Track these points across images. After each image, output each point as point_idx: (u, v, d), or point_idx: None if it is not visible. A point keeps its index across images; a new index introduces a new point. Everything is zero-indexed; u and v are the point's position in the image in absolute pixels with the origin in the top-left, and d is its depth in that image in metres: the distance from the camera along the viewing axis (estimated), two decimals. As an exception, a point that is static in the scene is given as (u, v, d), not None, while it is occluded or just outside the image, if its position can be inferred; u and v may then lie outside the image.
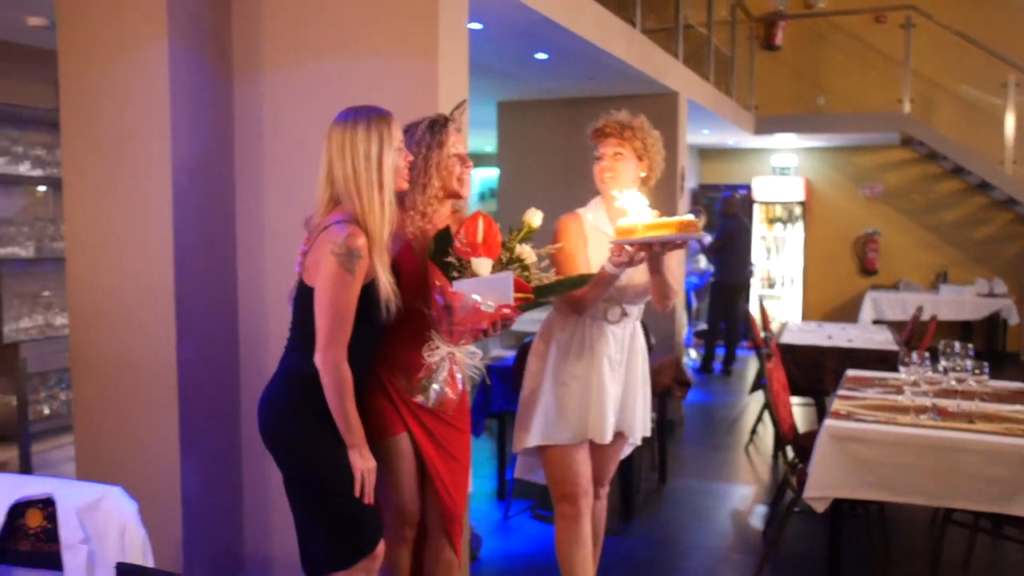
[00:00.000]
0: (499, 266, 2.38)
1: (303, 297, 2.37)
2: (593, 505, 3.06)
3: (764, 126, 9.72)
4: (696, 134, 9.43)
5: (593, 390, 2.86)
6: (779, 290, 10.87)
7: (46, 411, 4.42)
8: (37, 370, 4.34)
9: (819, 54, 10.34)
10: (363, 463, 2.38)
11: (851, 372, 4.60)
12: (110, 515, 2.18)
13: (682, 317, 6.69)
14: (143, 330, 3.22)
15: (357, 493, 2.37)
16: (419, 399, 2.42)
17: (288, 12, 3.31)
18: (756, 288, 10.63)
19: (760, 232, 10.78)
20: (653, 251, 2.57)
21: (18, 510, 2.22)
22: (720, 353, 8.94)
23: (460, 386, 2.42)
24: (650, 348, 5.42)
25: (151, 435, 3.23)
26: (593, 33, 4.72)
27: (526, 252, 2.44)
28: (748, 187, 10.74)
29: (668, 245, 2.56)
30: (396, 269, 2.45)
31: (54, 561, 2.18)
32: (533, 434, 2.89)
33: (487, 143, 8.85)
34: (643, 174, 2.93)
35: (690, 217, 2.54)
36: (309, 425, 2.37)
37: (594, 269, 2.76)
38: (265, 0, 3.33)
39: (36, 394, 4.43)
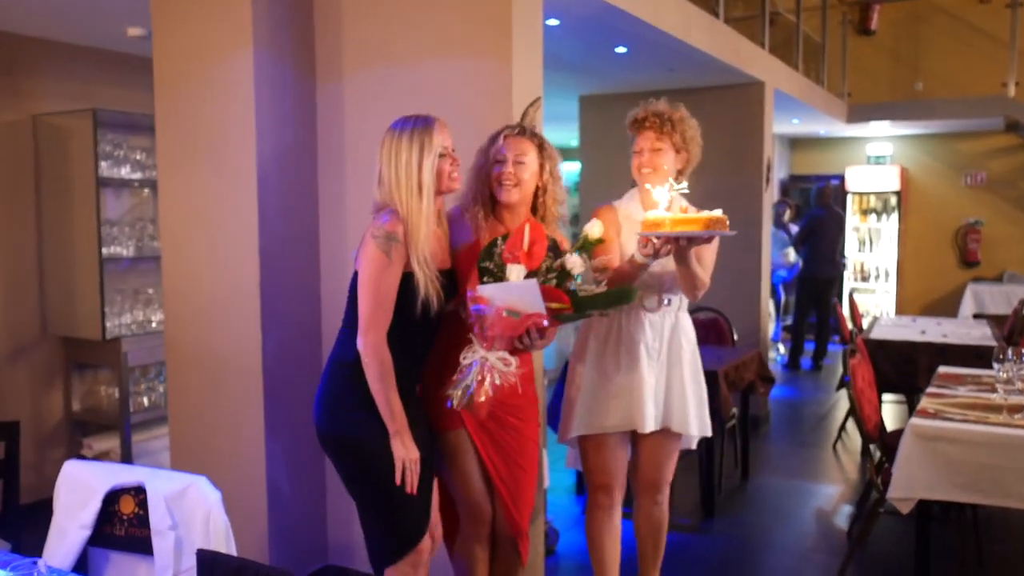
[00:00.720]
0: (538, 275, 2.35)
1: (352, 285, 2.48)
2: (651, 511, 3.07)
3: (858, 114, 9.41)
4: (785, 124, 9.21)
5: (633, 379, 2.86)
6: (873, 284, 10.52)
7: (145, 402, 4.66)
8: (138, 363, 4.59)
9: (917, 37, 9.94)
10: (404, 452, 2.41)
11: (943, 369, 4.43)
12: (196, 503, 2.29)
13: (767, 311, 6.56)
14: (231, 325, 3.37)
15: (398, 481, 2.41)
16: (450, 399, 2.43)
17: (367, 19, 3.39)
18: (848, 282, 10.31)
19: (853, 224, 10.45)
20: (679, 244, 2.58)
21: (113, 497, 2.36)
22: (809, 348, 8.72)
23: (490, 392, 2.38)
24: (732, 343, 5.39)
25: (239, 426, 3.38)
26: (673, 25, 4.67)
27: (573, 262, 2.40)
28: (841, 177, 10.42)
29: (695, 240, 2.57)
30: (455, 271, 2.54)
31: (145, 545, 2.31)
32: (575, 424, 2.94)
33: (571, 137, 8.84)
34: (679, 167, 2.93)
35: (717, 213, 2.52)
36: (354, 414, 2.44)
37: (628, 251, 2.79)
38: (346, 9, 3.43)
39: (137, 386, 4.67)
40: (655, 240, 2.57)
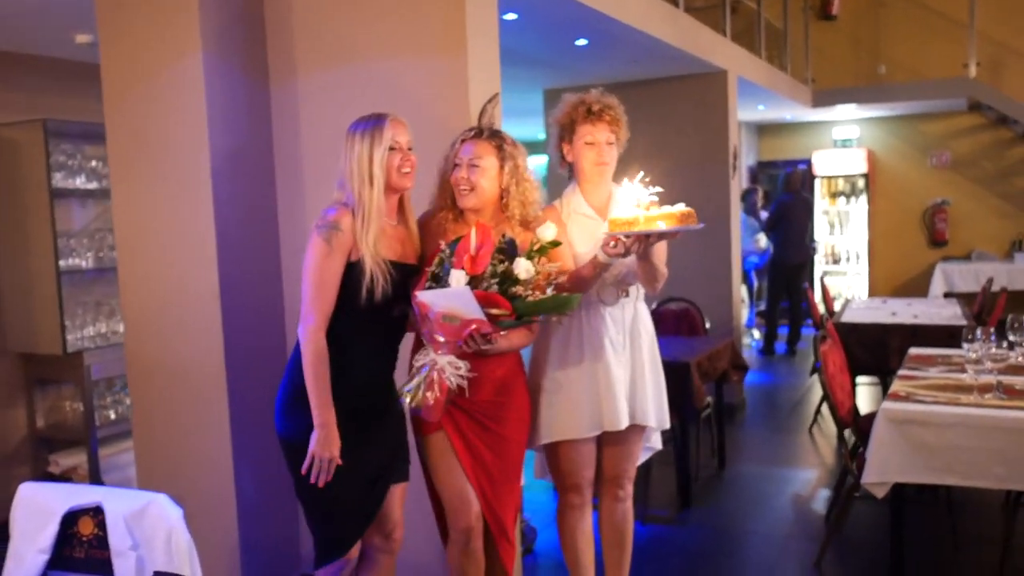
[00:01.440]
0: (482, 280, 2.31)
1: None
2: (614, 508, 3.03)
3: (822, 99, 9.45)
4: (751, 111, 9.23)
5: (600, 376, 2.80)
6: (844, 266, 10.59)
7: (112, 416, 4.57)
8: (102, 376, 4.49)
9: (878, 22, 9.99)
10: (319, 448, 2.39)
11: (914, 350, 4.45)
12: (157, 521, 2.23)
13: (739, 299, 6.56)
14: (192, 334, 3.30)
15: (304, 471, 2.41)
16: (402, 400, 2.41)
17: (319, 17, 3.33)
18: (819, 265, 10.37)
19: (822, 207, 10.51)
20: (648, 242, 2.53)
21: (71, 518, 2.29)
22: (783, 333, 8.76)
23: (439, 394, 2.34)
24: (705, 332, 5.38)
25: (204, 437, 3.31)
26: (633, 17, 4.64)
27: (520, 267, 2.34)
28: (808, 161, 10.48)
29: (665, 236, 2.53)
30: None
31: (107, 567, 2.24)
32: (543, 431, 2.84)
33: (537, 131, 8.80)
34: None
35: (682, 207, 2.48)
36: (294, 415, 2.47)
37: (578, 251, 2.74)
38: (296, 9, 3.36)
39: (103, 400, 4.59)
40: (625, 239, 2.51)
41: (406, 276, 2.51)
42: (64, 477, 4.52)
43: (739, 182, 6.68)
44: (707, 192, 6.32)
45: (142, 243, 3.40)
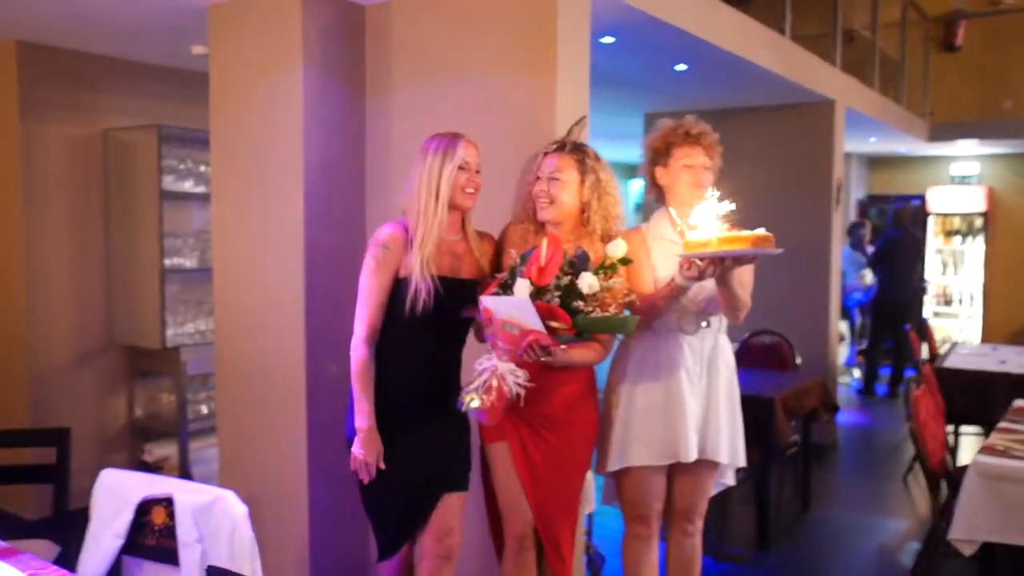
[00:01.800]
0: (546, 291, 2.32)
1: None
2: (682, 542, 2.96)
3: (940, 133, 9.05)
4: (862, 142, 8.93)
5: (674, 406, 2.74)
6: (956, 308, 10.08)
7: (204, 411, 4.75)
8: (197, 372, 4.68)
9: (1006, 53, 9.51)
10: (358, 451, 2.56)
11: (1019, 402, 4.20)
12: (222, 517, 2.30)
13: (836, 336, 6.33)
14: (276, 339, 3.40)
15: (352, 470, 2.59)
16: (460, 402, 2.45)
17: (417, 34, 3.41)
18: (929, 306, 9.91)
19: (936, 246, 10.05)
20: (724, 265, 2.47)
21: (146, 507, 2.40)
22: (885, 374, 8.39)
23: (495, 400, 2.37)
24: (795, 368, 5.21)
25: (283, 439, 3.41)
26: (733, 43, 4.56)
27: (585, 281, 2.34)
28: (922, 197, 10.04)
29: (741, 260, 2.47)
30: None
31: (175, 557, 2.33)
32: (614, 457, 2.81)
33: (637, 154, 8.74)
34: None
35: (762, 231, 2.40)
36: (351, 420, 2.62)
37: (662, 279, 2.70)
38: (395, 23, 3.45)
39: (196, 395, 4.77)
40: (699, 262, 2.48)
41: (460, 290, 2.56)
42: (156, 467, 4.72)
43: (842, 215, 6.45)
44: (808, 224, 6.14)
45: (236, 246, 3.54)
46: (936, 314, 10.07)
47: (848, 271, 8.81)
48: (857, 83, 6.74)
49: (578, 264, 2.39)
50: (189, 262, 4.82)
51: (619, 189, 2.72)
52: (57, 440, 2.99)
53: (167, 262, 4.66)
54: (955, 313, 10.07)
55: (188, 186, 4.76)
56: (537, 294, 2.31)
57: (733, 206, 2.54)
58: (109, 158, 4.73)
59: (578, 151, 2.67)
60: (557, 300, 2.32)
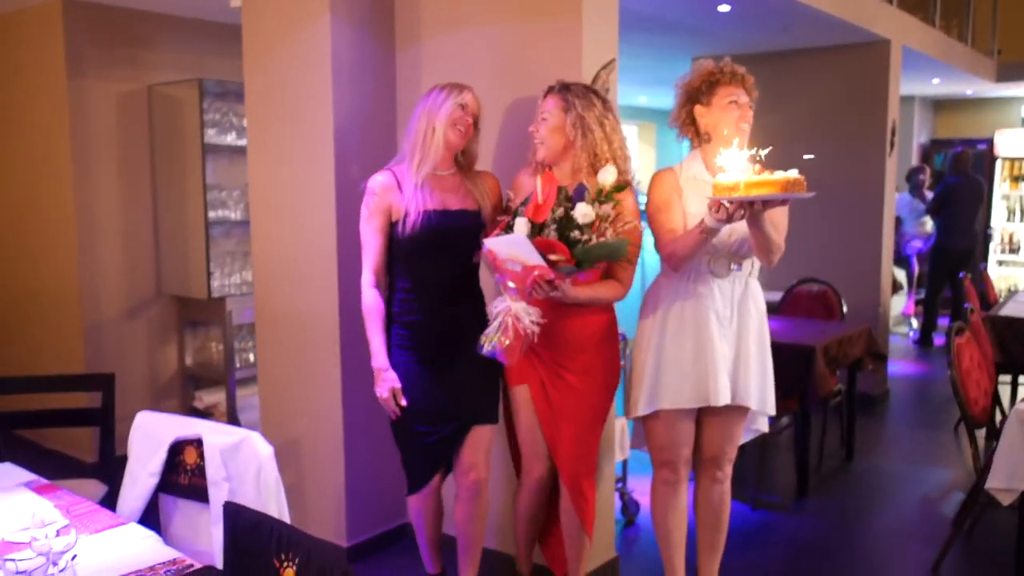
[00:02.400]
0: (544, 227, 2.39)
1: None
2: (711, 489, 2.95)
3: (1009, 72, 8.66)
4: (924, 84, 8.60)
5: (705, 349, 2.73)
6: (1022, 256, 9.72)
7: (251, 359, 4.87)
8: (242, 322, 4.80)
9: (1084, -15, 9.01)
10: (377, 390, 2.73)
11: (1073, 351, 4.06)
12: (249, 457, 2.39)
13: (887, 285, 6.17)
14: (311, 288, 3.47)
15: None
16: (480, 345, 2.51)
17: (443, -20, 3.38)
18: (993, 254, 9.58)
19: (1003, 191, 9.67)
20: (754, 208, 2.44)
21: (179, 447, 2.49)
22: (943, 324, 8.17)
23: (512, 340, 2.44)
24: (842, 316, 5.11)
25: (319, 387, 3.49)
26: (778, -20, 4.41)
27: (580, 212, 2.39)
28: (990, 141, 9.65)
29: (770, 203, 2.42)
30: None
31: (205, 495, 2.42)
32: (643, 401, 2.81)
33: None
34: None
35: (793, 174, 2.35)
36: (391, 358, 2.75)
37: (692, 220, 2.66)
38: (422, -30, 3.42)
39: (243, 343, 4.90)
40: (727, 204, 2.45)
41: (452, 220, 2.66)
42: (206, 413, 4.89)
43: (896, 161, 6.24)
44: (860, 169, 5.96)
45: (272, 198, 3.60)
46: (1001, 263, 9.73)
47: (906, 218, 8.55)
48: (915, 21, 6.46)
49: (575, 197, 2.44)
50: (234, 214, 4.91)
51: (612, 127, 2.67)
52: (103, 385, 3.11)
53: (212, 214, 4.76)
54: (1021, 261, 9.71)
55: (231, 139, 4.83)
56: (536, 231, 2.37)
57: (762, 152, 2.48)
58: (154, 113, 4.82)
59: (564, 90, 2.67)
60: (555, 234, 2.36)
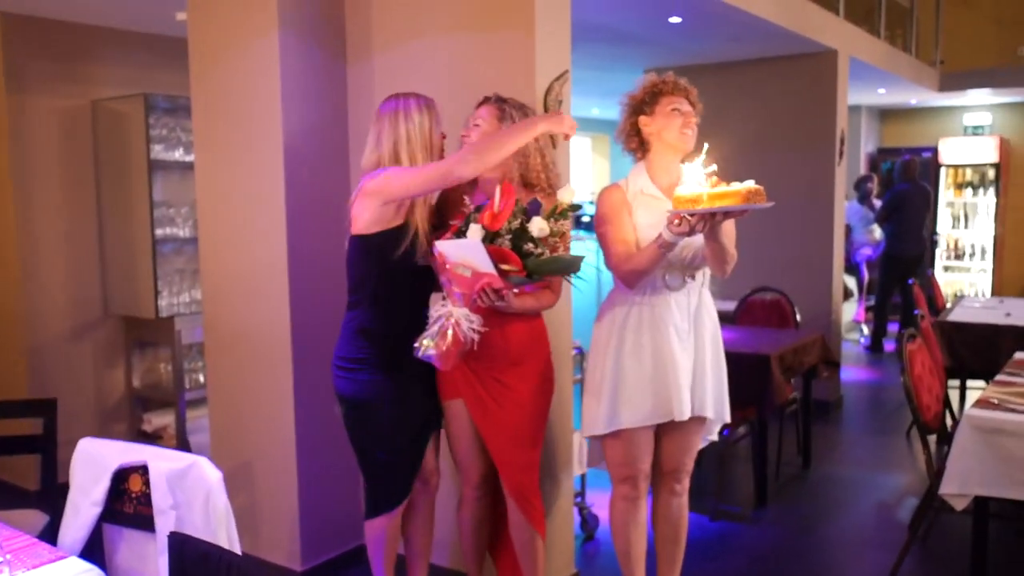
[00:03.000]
0: (498, 235, 2.37)
1: (350, 252, 2.69)
2: (669, 502, 2.94)
3: (951, 82, 8.87)
4: (871, 94, 8.77)
5: (667, 364, 2.71)
6: (967, 262, 9.95)
7: (201, 379, 4.76)
8: (192, 341, 4.69)
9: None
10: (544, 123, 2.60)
11: (1020, 355, 4.13)
12: (197, 483, 2.30)
13: (839, 292, 6.25)
14: (262, 305, 3.39)
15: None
16: (417, 348, 2.48)
17: (394, -6, 3.34)
18: (940, 260, 9.79)
19: (947, 198, 9.89)
20: (715, 220, 2.43)
21: (123, 474, 2.40)
22: (893, 330, 8.31)
23: (451, 345, 2.42)
24: (795, 325, 5.15)
25: (271, 406, 3.41)
26: (727, -8, 4.46)
27: (535, 225, 2.39)
28: (934, 149, 9.87)
29: (730, 214, 2.43)
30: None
31: (151, 524, 2.34)
32: (603, 419, 2.77)
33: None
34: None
35: (751, 184, 2.35)
36: (360, 375, 2.64)
37: (643, 234, 2.67)
38: (372, -16, 3.38)
39: (193, 364, 4.79)
40: (689, 217, 2.44)
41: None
42: (155, 436, 4.76)
43: (845, 169, 6.34)
44: (810, 178, 6.04)
45: (220, 214, 3.52)
46: (947, 268, 9.95)
47: (856, 226, 8.70)
48: (861, 32, 6.59)
49: (530, 211, 2.42)
50: (183, 232, 4.80)
51: (545, 142, 2.73)
52: (44, 411, 3.00)
53: (160, 232, 4.65)
54: (966, 267, 9.94)
55: (179, 155, 4.73)
56: (488, 238, 2.35)
57: (715, 167, 2.49)
58: (99, 129, 4.70)
59: (500, 101, 2.71)
60: (508, 244, 2.36)
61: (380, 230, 2.60)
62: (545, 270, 2.42)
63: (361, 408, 2.68)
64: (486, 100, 2.73)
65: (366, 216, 2.60)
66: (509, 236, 2.36)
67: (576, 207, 2.56)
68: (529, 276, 2.39)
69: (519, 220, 2.38)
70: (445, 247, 2.40)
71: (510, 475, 2.74)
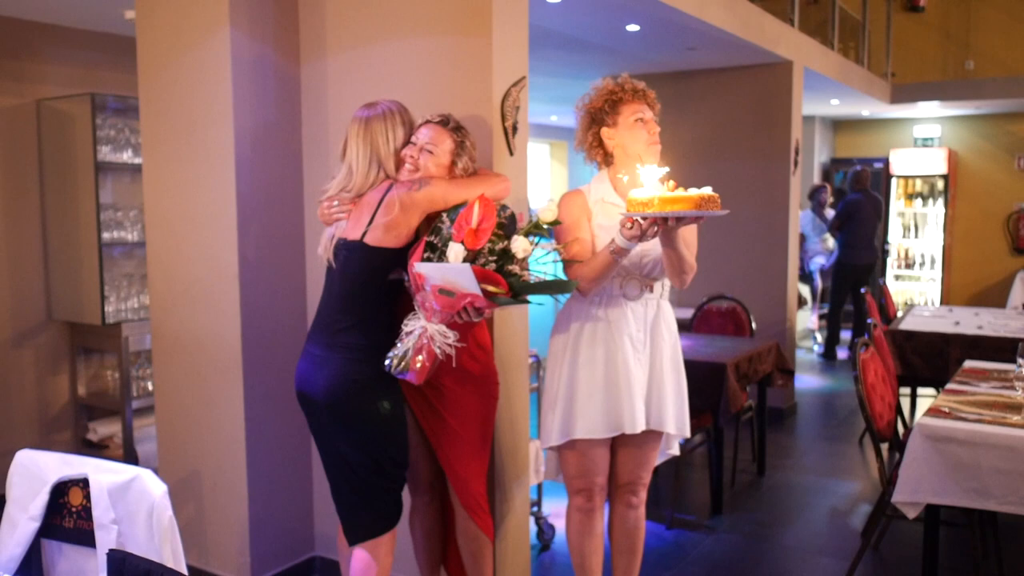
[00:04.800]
0: (480, 256, 2.31)
1: (363, 272, 2.56)
2: (626, 515, 2.91)
3: (902, 94, 9.04)
4: (824, 105, 8.89)
5: (620, 375, 2.68)
6: (917, 271, 10.14)
7: (149, 387, 4.64)
8: (140, 348, 4.57)
9: (968, 14, 9.50)
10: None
11: (969, 364, 4.20)
12: (140, 496, 2.22)
13: (794, 300, 6.32)
14: (212, 312, 3.31)
15: None
16: (389, 362, 2.44)
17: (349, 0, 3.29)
18: (891, 269, 9.96)
19: (898, 208, 10.08)
20: (667, 225, 2.40)
21: (62, 488, 2.31)
22: (846, 338, 8.43)
23: (427, 361, 2.37)
24: (751, 333, 5.19)
25: (221, 415, 3.32)
26: (684, 2, 4.47)
27: (519, 246, 2.33)
28: (885, 160, 10.05)
29: (683, 221, 2.39)
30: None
31: (92, 539, 2.25)
32: (557, 430, 2.75)
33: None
34: None
35: (707, 191, 2.33)
36: (377, 392, 2.54)
37: (602, 241, 2.64)
38: (327, -16, 3.32)
39: (141, 371, 4.66)
40: (641, 221, 2.41)
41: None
42: (101, 445, 4.63)
43: (800, 178, 6.41)
44: (766, 187, 6.10)
45: (169, 218, 3.43)
46: (897, 277, 10.13)
47: (809, 235, 8.81)
48: (816, 43, 6.67)
49: (508, 227, 2.38)
50: (131, 235, 4.68)
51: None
52: (-20, 421, 2.88)
53: (108, 235, 4.53)
54: (916, 276, 10.13)
55: (127, 157, 4.61)
56: (472, 258, 2.30)
57: (667, 169, 2.47)
58: (43, 129, 4.56)
59: (459, 132, 2.64)
60: (493, 265, 2.31)
61: (408, 243, 2.54)
62: (532, 292, 2.39)
63: (382, 421, 2.57)
64: (441, 122, 2.63)
65: (405, 230, 2.52)
66: (493, 259, 2.32)
67: (556, 223, 2.51)
68: (515, 296, 2.35)
69: (502, 243, 2.34)
70: (427, 269, 2.33)
71: (459, 483, 2.71)
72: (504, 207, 2.49)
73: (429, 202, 2.50)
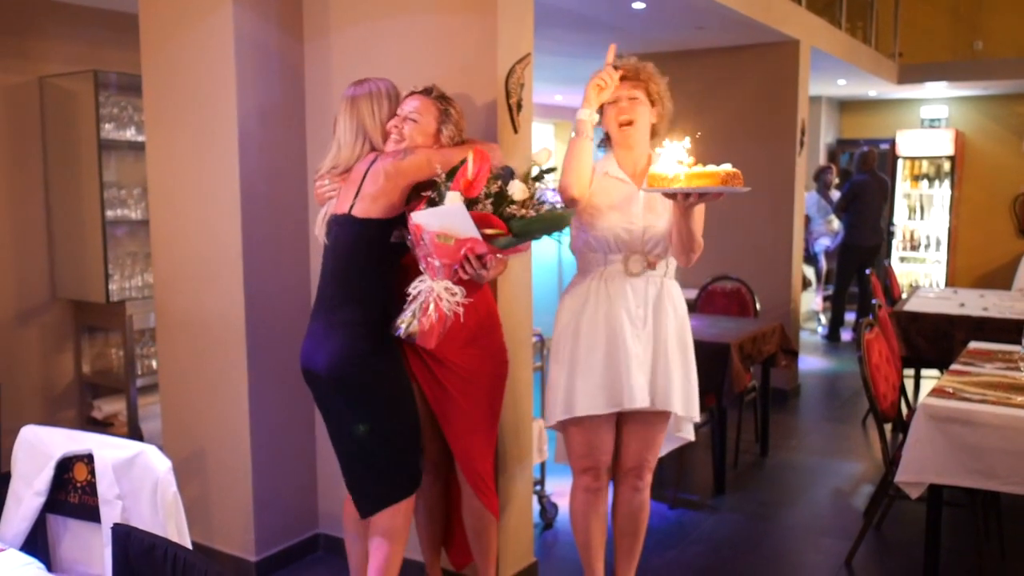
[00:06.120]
0: (476, 202, 2.32)
1: (348, 246, 2.58)
2: (631, 498, 2.91)
3: (909, 75, 8.97)
4: (831, 85, 8.83)
5: (615, 350, 2.67)
6: (923, 253, 10.10)
7: (153, 365, 4.65)
8: (144, 326, 4.58)
9: (979, -8, 9.41)
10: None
11: (974, 345, 4.19)
12: (144, 472, 2.23)
13: (798, 281, 6.30)
14: (216, 289, 3.31)
15: None
16: (398, 327, 2.43)
17: (353, -30, 3.26)
18: (896, 250, 9.93)
19: (904, 190, 10.03)
20: (689, 202, 2.42)
21: (67, 463, 2.32)
22: (850, 319, 8.41)
23: (435, 319, 2.37)
24: (755, 314, 5.18)
25: (225, 392, 3.33)
26: (691, -21, 4.43)
27: (516, 188, 2.35)
28: (892, 141, 9.99)
29: (706, 196, 2.41)
30: None
31: (97, 515, 2.26)
32: (560, 408, 2.74)
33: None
34: (654, 121, 2.78)
35: (727, 167, 2.34)
36: (380, 364, 2.56)
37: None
38: (330, -41, 3.30)
39: (146, 349, 4.67)
40: (663, 194, 2.46)
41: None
42: (106, 423, 4.64)
43: (806, 159, 6.38)
44: (771, 168, 6.06)
45: (172, 196, 3.42)
46: (903, 259, 10.10)
47: (815, 217, 8.78)
48: (823, 23, 6.62)
49: (505, 175, 2.39)
50: (135, 214, 4.68)
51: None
52: (-15, 397, 2.89)
53: (111, 214, 4.52)
54: (922, 258, 10.09)
55: (131, 134, 4.59)
56: (468, 206, 2.29)
57: (688, 142, 2.47)
58: (46, 107, 4.54)
59: (443, 100, 2.66)
60: (490, 208, 2.32)
61: (397, 215, 2.54)
62: (532, 229, 2.39)
63: (387, 389, 2.60)
64: (425, 92, 2.65)
65: (393, 199, 2.52)
66: (490, 201, 2.32)
67: (551, 169, 2.52)
68: (516, 237, 2.35)
69: (496, 184, 2.34)
70: (423, 217, 2.33)
71: (465, 460, 2.71)
72: (505, 165, 2.51)
73: (415, 169, 2.50)
